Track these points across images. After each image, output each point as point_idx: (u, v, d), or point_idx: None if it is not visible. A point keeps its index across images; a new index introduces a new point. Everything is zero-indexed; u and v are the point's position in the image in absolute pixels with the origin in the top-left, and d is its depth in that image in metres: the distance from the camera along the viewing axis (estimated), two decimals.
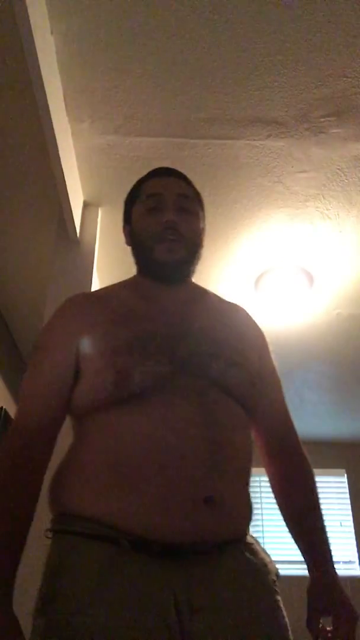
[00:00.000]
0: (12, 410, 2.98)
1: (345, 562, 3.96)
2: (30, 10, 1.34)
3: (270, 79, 1.73)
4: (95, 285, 2.28)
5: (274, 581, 0.94)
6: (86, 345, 0.98)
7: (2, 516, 0.89)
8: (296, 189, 2.14)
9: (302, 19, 1.56)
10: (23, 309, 2.87)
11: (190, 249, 1.09)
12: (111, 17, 1.56)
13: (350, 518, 4.34)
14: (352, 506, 4.39)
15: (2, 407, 2.83)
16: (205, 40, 1.62)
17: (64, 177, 1.82)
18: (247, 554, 0.93)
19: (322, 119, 1.86)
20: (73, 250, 2.13)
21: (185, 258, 1.08)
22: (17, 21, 1.34)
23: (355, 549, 4.19)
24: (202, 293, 1.16)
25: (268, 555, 0.98)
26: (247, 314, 1.19)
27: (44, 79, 1.50)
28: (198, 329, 1.02)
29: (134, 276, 1.15)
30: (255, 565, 0.92)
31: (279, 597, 0.92)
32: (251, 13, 1.55)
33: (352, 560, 4.05)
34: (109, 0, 1.52)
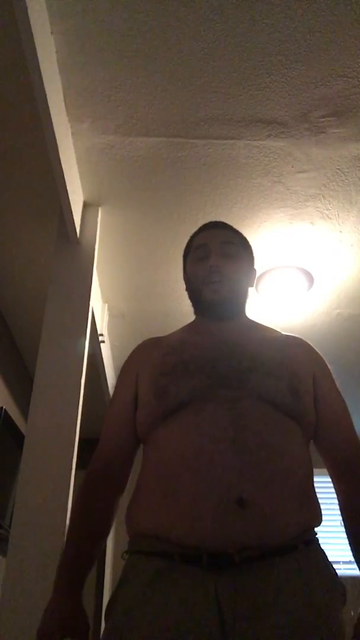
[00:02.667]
0: (12, 410, 2.98)
1: (345, 562, 3.96)
2: (30, 11, 1.34)
3: (270, 79, 1.73)
4: (95, 285, 2.28)
5: (332, 596, 0.91)
6: (141, 375, 1.14)
7: (82, 524, 1.07)
8: (296, 189, 2.14)
9: (302, 19, 1.56)
10: (23, 309, 2.87)
11: (234, 288, 1.20)
12: (111, 17, 1.56)
13: None
14: None
15: (2, 407, 2.83)
16: (205, 40, 1.62)
17: (64, 177, 1.82)
18: (302, 565, 0.90)
19: (322, 119, 1.86)
20: (73, 250, 2.12)
21: (229, 297, 1.19)
22: (17, 21, 1.34)
23: None
24: (256, 326, 1.24)
25: (329, 567, 0.96)
26: (306, 345, 1.22)
27: (44, 79, 1.49)
28: (241, 351, 1.08)
29: (193, 320, 1.27)
30: (309, 577, 0.90)
31: (334, 612, 0.89)
32: (251, 13, 1.55)
33: (352, 560, 4.06)
34: (109, 0, 1.52)
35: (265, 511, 0.89)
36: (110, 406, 1.19)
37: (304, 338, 1.24)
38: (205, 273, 1.19)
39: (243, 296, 1.25)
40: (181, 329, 1.27)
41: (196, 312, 1.26)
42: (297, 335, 1.25)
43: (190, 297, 1.26)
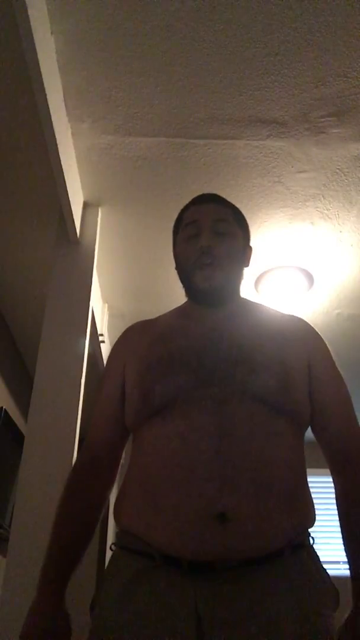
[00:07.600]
0: (12, 410, 2.98)
1: (344, 562, 3.96)
2: (30, 10, 1.34)
3: (270, 79, 1.73)
4: (95, 285, 2.28)
5: (320, 600, 0.87)
6: (128, 367, 1.08)
7: (68, 521, 1.03)
8: (296, 189, 2.14)
9: (302, 19, 1.56)
10: (23, 309, 2.87)
11: (228, 270, 1.11)
12: (111, 17, 1.56)
13: None
14: None
15: (2, 407, 2.83)
16: (205, 40, 1.62)
17: (64, 177, 1.82)
18: (288, 570, 0.87)
19: (322, 119, 1.86)
20: (73, 250, 2.13)
21: (223, 282, 1.11)
22: (17, 21, 1.34)
23: None
24: (249, 308, 1.16)
25: (319, 571, 0.92)
26: (303, 325, 1.13)
27: (44, 79, 1.50)
28: (230, 342, 1.02)
29: (185, 301, 1.19)
30: (296, 582, 0.86)
31: (322, 618, 0.85)
32: (251, 13, 1.55)
33: None
34: (109, 0, 1.52)
35: (248, 526, 0.85)
36: (97, 399, 1.14)
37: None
38: (196, 254, 1.10)
39: (237, 279, 1.16)
40: (171, 311, 1.20)
41: (187, 295, 1.17)
42: (295, 316, 1.16)
43: (181, 279, 1.17)
